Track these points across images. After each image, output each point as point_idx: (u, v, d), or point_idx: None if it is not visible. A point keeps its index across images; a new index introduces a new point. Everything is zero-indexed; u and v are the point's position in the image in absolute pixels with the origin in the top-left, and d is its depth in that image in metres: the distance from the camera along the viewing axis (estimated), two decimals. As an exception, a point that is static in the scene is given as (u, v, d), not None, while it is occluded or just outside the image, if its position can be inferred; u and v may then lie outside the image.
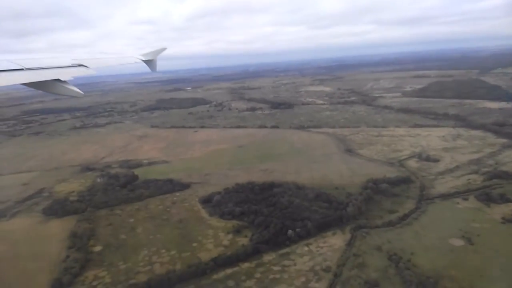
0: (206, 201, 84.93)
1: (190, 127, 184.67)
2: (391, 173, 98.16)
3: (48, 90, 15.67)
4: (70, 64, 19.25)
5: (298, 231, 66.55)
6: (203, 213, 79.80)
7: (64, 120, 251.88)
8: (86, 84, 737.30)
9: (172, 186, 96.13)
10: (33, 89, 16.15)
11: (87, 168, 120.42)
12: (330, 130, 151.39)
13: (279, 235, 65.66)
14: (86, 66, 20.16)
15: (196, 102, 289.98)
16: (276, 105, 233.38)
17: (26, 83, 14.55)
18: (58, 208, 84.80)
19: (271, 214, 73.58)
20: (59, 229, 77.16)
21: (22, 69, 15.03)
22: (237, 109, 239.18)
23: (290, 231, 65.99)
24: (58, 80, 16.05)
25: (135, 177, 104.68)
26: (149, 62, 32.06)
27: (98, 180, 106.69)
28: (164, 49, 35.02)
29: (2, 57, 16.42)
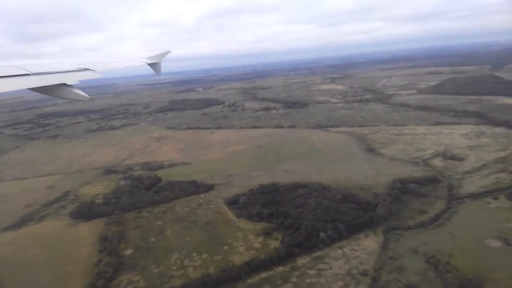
0: (232, 202, 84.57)
1: (206, 128, 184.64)
2: (417, 172, 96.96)
3: (55, 94, 15.72)
4: (76, 68, 19.41)
5: (330, 233, 65.88)
6: (230, 215, 79.45)
7: (79, 122, 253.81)
8: (97, 87, 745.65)
9: (196, 187, 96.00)
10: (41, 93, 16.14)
11: (109, 170, 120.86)
12: (349, 129, 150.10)
13: (311, 238, 65.11)
14: (92, 70, 20.30)
15: (209, 102, 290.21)
16: (290, 104, 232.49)
17: (33, 88, 14.66)
18: (86, 211, 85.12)
19: (300, 216, 72.95)
20: (88, 232, 77.45)
21: (29, 74, 15.13)
22: (251, 109, 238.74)
23: (322, 234, 65.37)
24: (65, 84, 16.13)
25: (159, 179, 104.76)
26: (154, 65, 32.51)
27: (122, 182, 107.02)
28: (168, 52, 35.59)
29: (9, 63, 16.54)
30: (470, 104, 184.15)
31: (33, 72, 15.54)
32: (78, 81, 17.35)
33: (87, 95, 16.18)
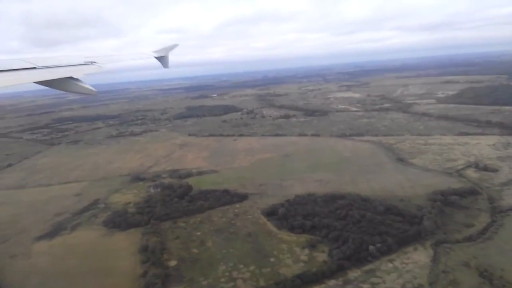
0: (270, 213, 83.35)
1: (228, 135, 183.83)
2: (452, 184, 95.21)
3: (62, 88, 15.49)
4: (82, 62, 19.12)
5: (379, 246, 64.32)
6: (270, 226, 78.22)
7: (98, 128, 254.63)
8: (110, 92, 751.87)
9: (230, 197, 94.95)
10: (49, 88, 15.95)
11: (137, 178, 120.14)
12: (374, 138, 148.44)
13: (360, 251, 63.56)
14: (98, 64, 19.90)
15: (227, 109, 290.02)
16: (310, 112, 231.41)
17: (39, 82, 14.41)
18: (121, 221, 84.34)
19: (345, 229, 71.54)
20: (126, 242, 76.60)
21: (35, 68, 14.90)
22: (270, 116, 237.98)
23: (371, 247, 63.89)
24: (71, 78, 15.90)
25: (190, 188, 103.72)
26: (162, 59, 32.08)
27: (152, 190, 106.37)
28: (176, 45, 34.94)
29: (16, 57, 16.35)
30: (492, 114, 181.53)
31: (40, 65, 15.34)
32: (85, 74, 17.21)
33: (94, 89, 15.99)
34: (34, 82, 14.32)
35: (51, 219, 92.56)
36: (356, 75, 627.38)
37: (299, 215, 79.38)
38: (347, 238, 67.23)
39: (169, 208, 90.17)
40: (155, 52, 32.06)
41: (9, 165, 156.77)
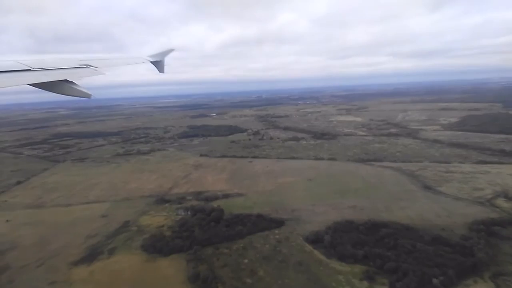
0: (314, 241, 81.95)
1: (241, 156, 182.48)
2: (487, 213, 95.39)
3: (56, 90, 15.26)
4: (77, 65, 18.89)
5: (442, 279, 63.39)
6: (318, 254, 76.77)
7: (101, 145, 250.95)
8: (103, 107, 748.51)
9: (267, 222, 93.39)
10: (41, 89, 15.37)
11: (161, 199, 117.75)
12: (394, 165, 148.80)
13: (424, 284, 62.49)
14: (94, 67, 19.61)
15: (231, 129, 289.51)
16: (319, 135, 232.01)
17: (33, 84, 14.15)
18: (162, 246, 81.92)
19: (399, 259, 70.46)
20: (172, 269, 74.31)
21: (30, 70, 14.64)
22: (278, 138, 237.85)
23: (435, 280, 62.92)
24: (66, 80, 15.67)
25: (222, 211, 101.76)
26: (157, 63, 31.72)
27: (182, 213, 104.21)
28: (172, 50, 34.63)
29: (10, 58, 15.90)
30: (502, 143, 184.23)
31: (34, 67, 15.02)
32: (80, 77, 17.03)
33: (89, 92, 15.59)
34: (29, 84, 13.95)
35: (83, 242, 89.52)
36: (350, 99, 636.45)
37: (347, 243, 78.03)
38: (407, 270, 66.05)
39: (208, 233, 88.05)
40: (150, 56, 31.64)
41: (19, 183, 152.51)
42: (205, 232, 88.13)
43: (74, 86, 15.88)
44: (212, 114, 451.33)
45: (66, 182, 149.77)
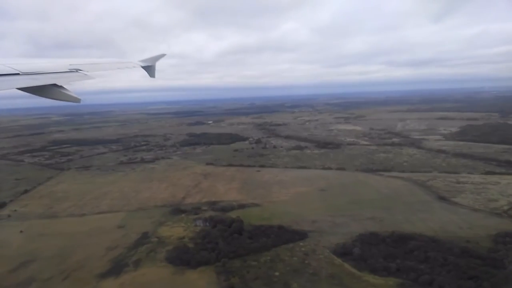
0: (342, 253, 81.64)
1: (248, 165, 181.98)
2: (506, 224, 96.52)
3: (45, 95, 15.09)
4: (67, 69, 18.77)
5: (478, 293, 63.60)
6: (349, 267, 76.51)
7: (103, 153, 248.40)
8: (95, 113, 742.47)
9: (290, 234, 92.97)
10: (30, 94, 15.36)
11: (177, 210, 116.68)
12: (403, 175, 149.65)
13: (462, 297, 62.58)
14: (83, 72, 19.47)
15: (232, 138, 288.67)
16: (322, 144, 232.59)
17: (22, 88, 14.03)
18: (189, 258, 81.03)
19: (433, 272, 70.58)
20: (203, 282, 73.52)
21: (18, 74, 14.51)
22: (281, 147, 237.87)
23: (473, 293, 63.00)
24: (55, 85, 15.58)
25: (241, 222, 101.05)
26: (148, 68, 31.62)
27: (201, 224, 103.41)
28: (163, 55, 34.52)
29: None
30: (506, 153, 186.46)
31: (23, 71, 14.89)
32: (69, 82, 16.93)
33: (79, 97, 15.50)
34: (17, 89, 13.80)
35: (105, 254, 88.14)
36: (345, 107, 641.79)
37: (377, 256, 77.97)
38: (442, 282, 66.15)
39: (233, 245, 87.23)
40: (141, 61, 31.54)
41: (26, 191, 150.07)
42: (229, 244, 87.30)
43: (63, 91, 15.71)
44: (209, 122, 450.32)
45: (74, 191, 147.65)
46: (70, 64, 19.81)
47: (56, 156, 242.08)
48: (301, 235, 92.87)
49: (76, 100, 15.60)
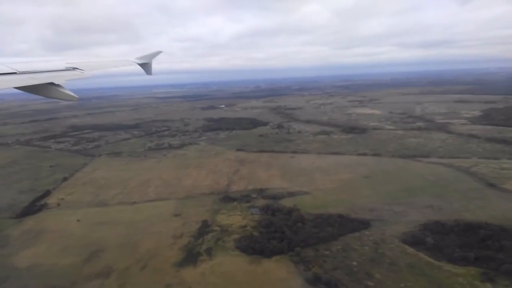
0: (413, 243, 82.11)
1: (280, 151, 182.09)
2: None
3: (42, 94, 15.55)
4: (64, 68, 19.11)
5: None
6: (424, 257, 77.06)
7: (127, 139, 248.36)
8: (100, 98, 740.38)
9: (353, 223, 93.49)
10: (28, 93, 16.03)
11: (228, 197, 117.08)
12: (443, 161, 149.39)
13: (553, 288, 63.17)
14: (80, 69, 19.88)
15: (252, 122, 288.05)
16: (348, 129, 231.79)
17: (19, 87, 14.44)
18: (262, 247, 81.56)
19: (514, 262, 71.08)
20: (283, 271, 74.32)
21: (15, 73, 14.75)
22: (306, 132, 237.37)
23: None
24: (52, 83, 15.92)
25: (298, 211, 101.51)
26: (145, 66, 32.35)
27: (258, 213, 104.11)
28: (159, 52, 35.33)
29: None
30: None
31: (20, 70, 15.13)
32: (66, 80, 17.17)
33: (76, 95, 15.89)
34: (14, 88, 14.23)
35: (173, 242, 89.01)
36: (354, 89, 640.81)
37: (451, 246, 78.48)
38: (529, 273, 66.65)
39: (300, 234, 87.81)
40: (138, 58, 32.16)
41: (65, 179, 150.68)
42: (296, 233, 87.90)
43: (60, 89, 15.98)
44: (221, 106, 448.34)
45: (115, 178, 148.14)
46: (66, 63, 20.12)
47: (81, 142, 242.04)
48: (364, 224, 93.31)
49: (73, 98, 15.94)
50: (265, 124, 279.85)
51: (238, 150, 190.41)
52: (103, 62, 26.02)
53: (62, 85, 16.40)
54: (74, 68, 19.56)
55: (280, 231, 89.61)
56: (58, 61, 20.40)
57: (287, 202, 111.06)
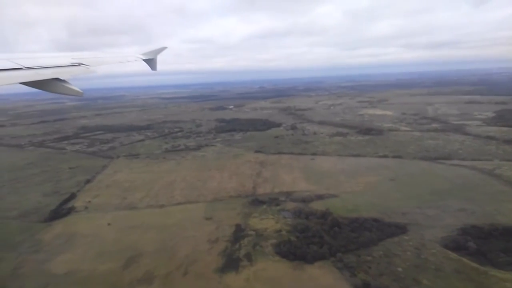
0: (455, 248, 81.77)
1: (299, 153, 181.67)
2: None
3: (48, 89, 15.55)
4: (69, 63, 19.17)
5: None
6: (467, 262, 76.74)
7: (142, 140, 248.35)
8: (106, 98, 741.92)
9: (389, 227, 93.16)
10: (35, 89, 15.92)
11: (257, 200, 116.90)
12: (466, 163, 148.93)
13: None
14: (86, 65, 19.92)
15: (265, 123, 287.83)
16: (364, 130, 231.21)
17: (25, 82, 14.42)
18: (303, 253, 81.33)
19: None
20: (329, 278, 74.06)
21: (21, 68, 14.86)
22: (321, 133, 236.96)
23: None
24: (58, 79, 16.00)
25: (331, 215, 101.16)
26: (150, 61, 32.32)
27: (291, 216, 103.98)
28: (164, 48, 35.34)
29: (3, 56, 16.23)
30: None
31: (26, 66, 15.21)
32: (72, 75, 17.33)
33: (81, 91, 15.98)
34: (20, 83, 14.21)
35: (210, 247, 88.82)
36: (360, 90, 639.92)
37: (494, 250, 78.16)
38: None
39: (339, 239, 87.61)
40: (143, 54, 32.22)
41: (88, 181, 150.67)
42: (335, 238, 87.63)
43: (66, 85, 16.06)
44: (230, 107, 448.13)
45: (138, 180, 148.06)
46: (72, 59, 20.18)
47: (95, 143, 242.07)
48: (401, 228, 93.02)
49: (79, 93, 16.10)
50: (278, 125, 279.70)
51: (256, 152, 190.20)
52: (108, 57, 26.29)
53: (67, 80, 16.56)
54: (79, 64, 19.71)
55: (318, 235, 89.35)
56: (63, 57, 20.63)
57: (317, 206, 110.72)
